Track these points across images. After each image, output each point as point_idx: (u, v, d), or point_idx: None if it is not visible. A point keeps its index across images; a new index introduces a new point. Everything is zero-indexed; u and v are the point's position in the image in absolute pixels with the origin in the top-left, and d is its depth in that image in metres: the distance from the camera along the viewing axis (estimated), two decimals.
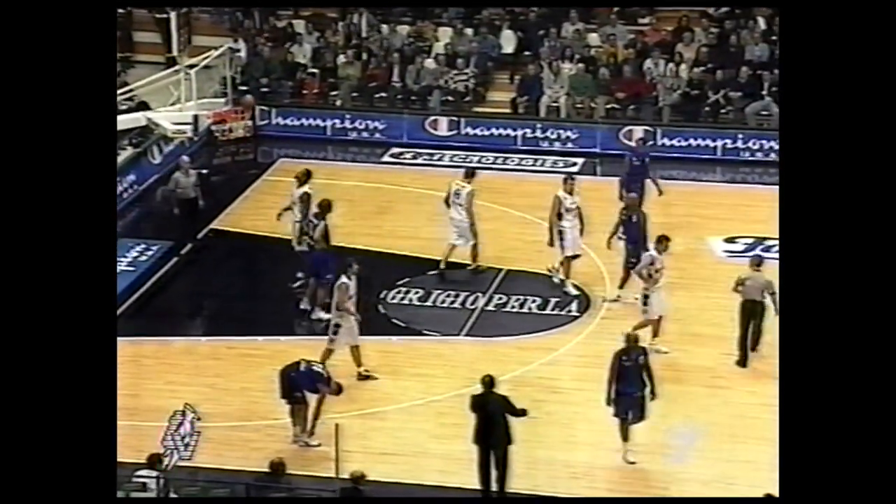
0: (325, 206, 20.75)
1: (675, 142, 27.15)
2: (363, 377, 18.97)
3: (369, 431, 17.96)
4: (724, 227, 22.83)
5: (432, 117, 28.19)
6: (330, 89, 29.22)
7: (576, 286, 21.40)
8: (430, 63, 29.26)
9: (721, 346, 19.97)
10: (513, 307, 21.30)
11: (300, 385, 17.12)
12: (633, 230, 21.04)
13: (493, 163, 27.06)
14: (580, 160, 26.81)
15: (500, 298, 21.54)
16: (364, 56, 29.65)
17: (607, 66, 28.65)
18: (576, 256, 21.36)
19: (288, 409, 17.45)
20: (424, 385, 19.11)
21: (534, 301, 21.41)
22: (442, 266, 21.92)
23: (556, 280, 21.49)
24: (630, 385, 16.91)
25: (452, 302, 21.34)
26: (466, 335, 20.62)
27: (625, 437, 17.03)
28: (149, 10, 29.45)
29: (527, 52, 29.41)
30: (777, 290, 18.42)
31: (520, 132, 27.70)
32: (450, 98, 28.81)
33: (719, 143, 27.04)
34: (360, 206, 24.66)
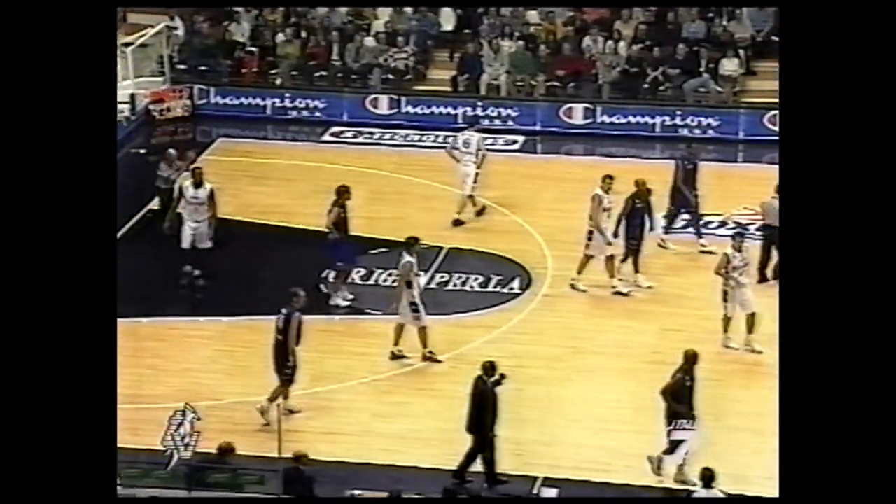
0: (341, 192, 20.48)
1: (614, 119, 27.22)
2: (428, 359, 18.95)
3: (312, 411, 17.94)
4: (663, 203, 22.86)
5: (373, 96, 28.10)
6: (269, 68, 29.04)
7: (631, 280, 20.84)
8: (369, 41, 29.16)
9: (662, 322, 20.11)
10: (455, 285, 21.32)
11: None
12: (637, 217, 20.91)
13: (433, 141, 27.03)
14: (521, 138, 26.84)
15: (442, 276, 21.55)
16: (303, 34, 29.50)
17: (547, 43, 28.68)
18: (612, 256, 20.78)
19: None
20: (368, 364, 19.09)
21: (476, 279, 21.44)
22: (457, 215, 22.74)
23: (623, 290, 20.69)
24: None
25: (395, 281, 21.32)
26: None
27: None
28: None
29: (466, 30, 29.37)
30: None
31: (460, 110, 27.66)
32: (390, 76, 28.73)
33: (658, 119, 27.15)
34: (301, 186, 24.55)
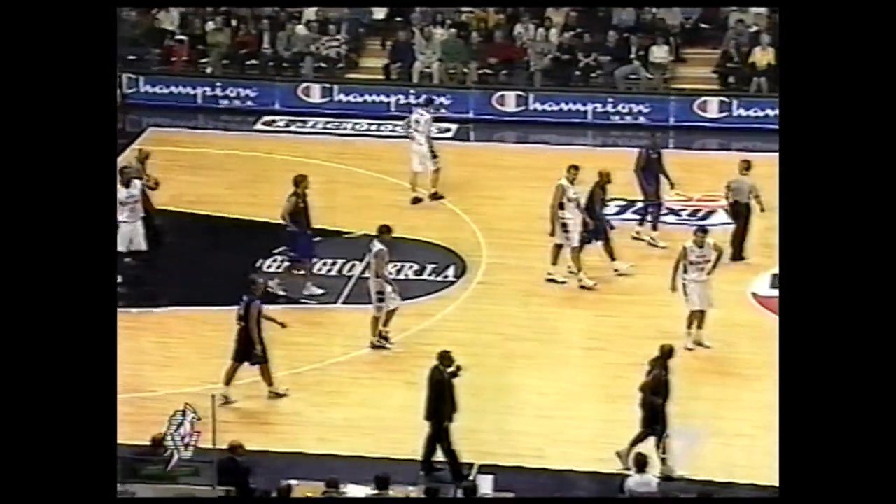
0: (298, 182, 20.36)
1: (546, 106, 27.30)
2: (378, 345, 19.03)
3: (247, 401, 17.88)
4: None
5: (305, 84, 28.00)
6: (199, 56, 28.85)
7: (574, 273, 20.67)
8: (300, 29, 29.05)
9: (598, 309, 20.25)
10: (389, 273, 21.25)
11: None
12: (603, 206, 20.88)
13: (366, 130, 27.00)
14: (454, 126, 26.85)
15: None
16: (234, 22, 29.33)
17: (478, 31, 28.72)
18: (581, 247, 20.74)
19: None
20: (303, 353, 19.05)
21: (411, 267, 21.45)
22: (414, 193, 23.02)
23: (559, 279, 20.70)
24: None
25: (329, 270, 21.29)
26: (344, 303, 20.60)
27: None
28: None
29: (398, 18, 29.35)
30: (760, 192, 20.79)
31: (393, 98, 27.65)
32: (322, 65, 28.64)
33: (590, 107, 27.26)
34: (234, 175, 24.44)
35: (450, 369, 16.31)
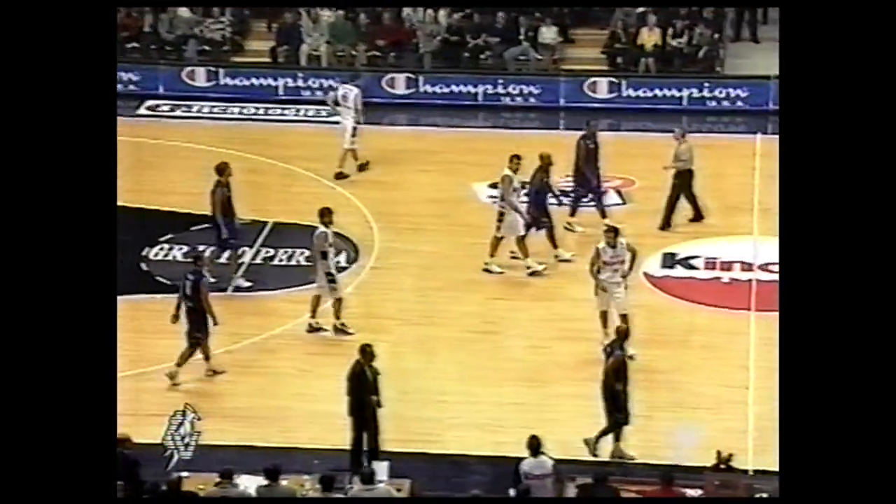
0: (221, 170, 20.01)
1: (436, 88, 27.28)
2: (339, 330, 18.90)
3: (137, 392, 17.63)
4: (487, 172, 23.04)
5: (189, 68, 27.66)
6: None
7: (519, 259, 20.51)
8: (183, 12, 28.67)
9: (489, 292, 20.30)
10: (280, 260, 21.16)
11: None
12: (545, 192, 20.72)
13: (254, 114, 26.76)
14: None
15: (268, 252, 21.39)
16: None
17: (366, 12, 28.59)
18: (524, 236, 20.50)
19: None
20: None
21: (302, 253, 21.32)
22: (338, 168, 23.24)
23: (495, 269, 20.53)
24: None
25: (218, 257, 21.05)
26: (234, 290, 20.41)
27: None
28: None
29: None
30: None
31: (280, 81, 27.42)
32: (206, 48, 28.32)
33: (480, 88, 27.30)
34: (118, 162, 24.02)
35: (371, 365, 16.09)
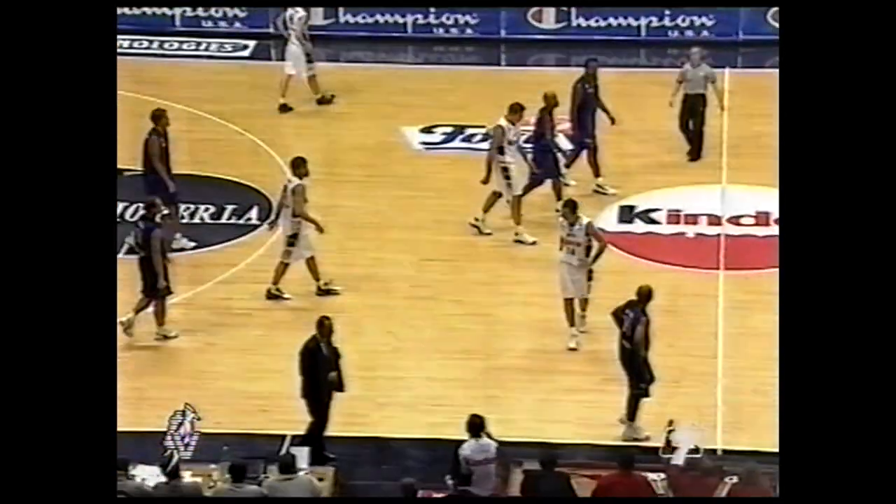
0: (157, 118, 20.13)
1: (358, 18, 27.16)
2: (323, 292, 19.06)
3: None
4: (419, 115, 23.14)
5: None
6: None
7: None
8: None
9: (423, 252, 20.37)
10: (182, 217, 21.05)
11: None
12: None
13: (147, 48, 26.55)
14: (251, 42, 26.57)
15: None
16: None
17: None
18: (523, 195, 20.40)
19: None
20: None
21: (206, 209, 21.28)
22: (281, 99, 23.58)
23: (482, 230, 20.48)
24: None
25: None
26: (127, 253, 20.22)
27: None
28: None
29: None
30: (717, 79, 21.98)
31: (178, 11, 27.16)
32: None
33: (409, 18, 27.16)
34: None
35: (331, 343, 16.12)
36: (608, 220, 21.05)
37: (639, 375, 16.49)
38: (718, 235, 20.79)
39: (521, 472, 15.15)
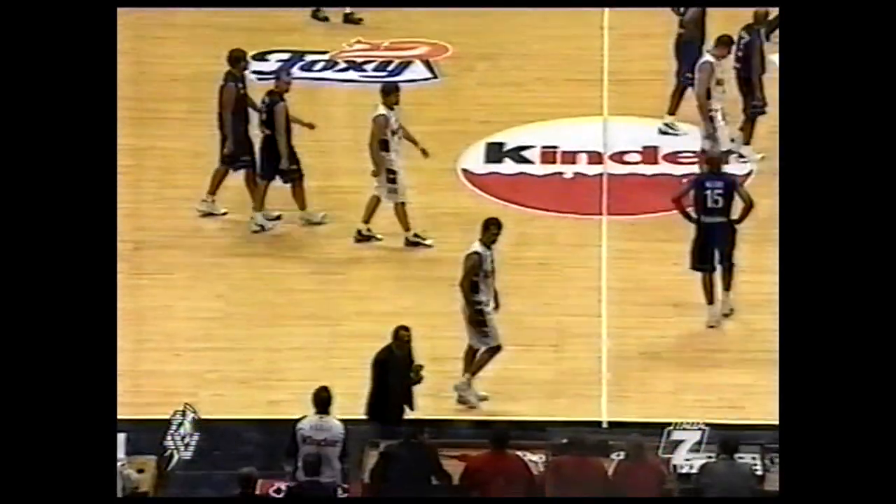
0: (233, 59, 20.14)
1: None
2: (412, 243, 19.39)
3: None
4: (252, 39, 22.76)
5: None
6: None
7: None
8: None
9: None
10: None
11: None
12: None
13: None
14: None
15: None
16: None
17: None
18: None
19: None
20: None
21: None
22: None
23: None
24: None
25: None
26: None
27: None
28: None
29: None
30: None
31: None
32: None
33: None
34: None
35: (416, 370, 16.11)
36: (473, 159, 21.12)
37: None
38: (600, 175, 20.88)
39: (377, 453, 15.13)
